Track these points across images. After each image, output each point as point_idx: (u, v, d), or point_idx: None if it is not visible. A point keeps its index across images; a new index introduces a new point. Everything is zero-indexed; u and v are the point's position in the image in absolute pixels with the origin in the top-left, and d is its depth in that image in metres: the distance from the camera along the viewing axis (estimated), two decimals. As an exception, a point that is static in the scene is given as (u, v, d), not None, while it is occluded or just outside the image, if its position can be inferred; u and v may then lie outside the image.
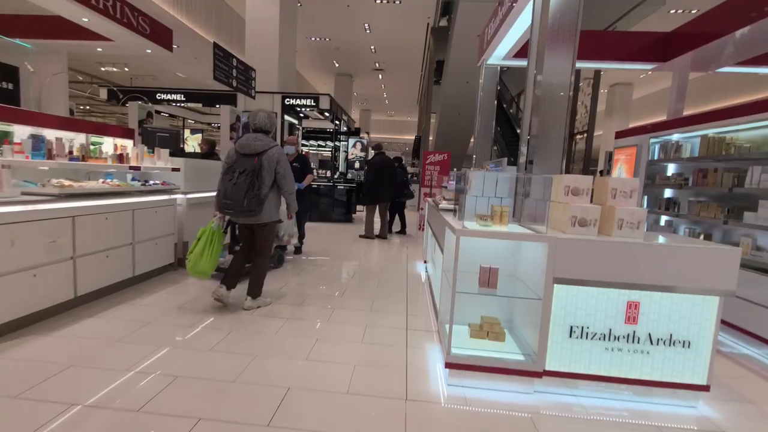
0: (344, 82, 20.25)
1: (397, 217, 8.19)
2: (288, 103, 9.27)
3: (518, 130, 15.85)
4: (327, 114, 10.35)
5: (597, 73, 9.57)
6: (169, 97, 9.31)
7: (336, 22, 12.86)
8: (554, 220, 2.47)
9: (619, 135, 5.16)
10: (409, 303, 3.86)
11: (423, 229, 7.87)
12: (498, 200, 2.79)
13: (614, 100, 15.86)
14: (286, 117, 9.56)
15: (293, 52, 10.09)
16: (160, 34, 4.81)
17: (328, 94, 9.50)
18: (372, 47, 15.37)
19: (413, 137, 25.15)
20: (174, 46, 12.26)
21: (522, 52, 4.38)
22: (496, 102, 5.44)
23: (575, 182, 2.37)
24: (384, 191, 7.06)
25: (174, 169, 4.36)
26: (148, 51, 5.04)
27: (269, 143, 3.18)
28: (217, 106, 8.74)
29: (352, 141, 15.01)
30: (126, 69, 14.82)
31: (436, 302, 3.62)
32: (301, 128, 11.04)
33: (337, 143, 14.69)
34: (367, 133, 27.09)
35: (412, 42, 14.53)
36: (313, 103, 9.36)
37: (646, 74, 14.74)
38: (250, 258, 3.49)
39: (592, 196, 2.38)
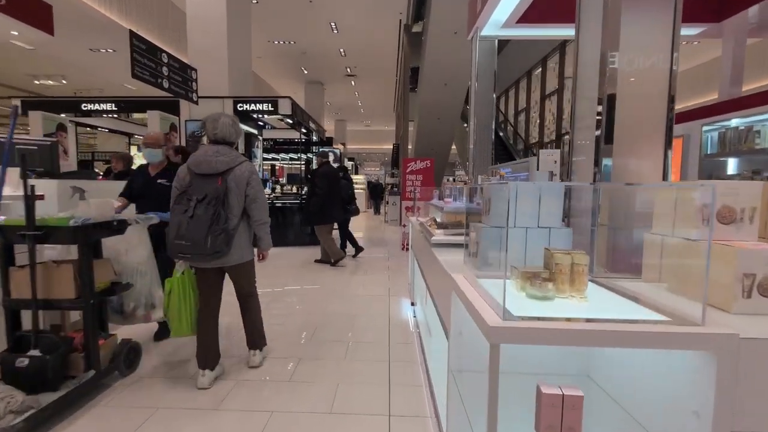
0: (315, 90, 18.96)
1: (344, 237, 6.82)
2: (242, 109, 7.89)
3: (501, 134, 14.84)
4: (290, 121, 8.99)
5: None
6: (97, 107, 7.75)
7: (299, 21, 11.61)
8: (681, 280, 1.19)
9: (652, 125, 4.01)
10: (392, 383, 2.53)
11: (407, 249, 6.55)
12: (543, 234, 1.52)
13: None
14: (242, 126, 8.17)
15: (248, 53, 8.74)
16: (28, 9, 3.41)
17: (289, 97, 8.17)
18: (341, 50, 14.18)
19: (392, 146, 24.08)
20: (110, 50, 10.86)
21: (532, 15, 3.18)
22: (494, 95, 4.24)
23: (727, 195, 1.11)
24: (336, 207, 5.96)
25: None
26: (15, 33, 3.63)
27: (236, 158, 2.45)
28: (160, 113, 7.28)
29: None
30: (64, 81, 13.14)
31: (432, 385, 2.30)
32: (261, 139, 9.65)
33: (309, 155, 13.34)
34: (343, 144, 25.86)
35: (384, 42, 13.40)
36: (271, 108, 8.01)
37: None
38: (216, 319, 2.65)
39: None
